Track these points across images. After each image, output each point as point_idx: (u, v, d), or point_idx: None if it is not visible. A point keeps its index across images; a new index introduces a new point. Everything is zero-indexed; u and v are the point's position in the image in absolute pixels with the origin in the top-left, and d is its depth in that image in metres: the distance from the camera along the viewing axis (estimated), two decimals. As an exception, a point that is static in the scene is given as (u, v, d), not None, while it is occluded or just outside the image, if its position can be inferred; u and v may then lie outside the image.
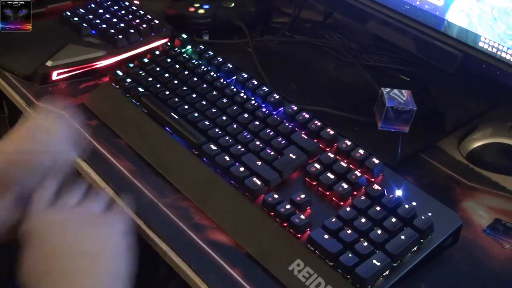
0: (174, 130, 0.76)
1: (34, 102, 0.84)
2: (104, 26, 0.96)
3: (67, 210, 0.63)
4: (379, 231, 0.62)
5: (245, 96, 0.79)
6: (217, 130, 0.75)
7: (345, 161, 0.70)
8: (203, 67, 0.84)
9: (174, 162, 0.74)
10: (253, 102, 0.78)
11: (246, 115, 0.76)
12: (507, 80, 0.71)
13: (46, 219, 0.62)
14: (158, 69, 0.85)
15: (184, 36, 0.91)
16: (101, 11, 1.00)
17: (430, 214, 0.64)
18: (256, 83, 0.81)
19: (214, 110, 0.77)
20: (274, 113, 0.77)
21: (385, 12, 0.81)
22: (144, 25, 0.95)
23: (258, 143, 0.72)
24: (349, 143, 0.71)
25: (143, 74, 0.84)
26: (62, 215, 0.63)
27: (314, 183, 0.69)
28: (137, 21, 0.96)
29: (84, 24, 0.96)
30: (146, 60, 0.87)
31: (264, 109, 0.76)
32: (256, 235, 0.65)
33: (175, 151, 0.74)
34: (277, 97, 0.78)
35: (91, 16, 0.98)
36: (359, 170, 0.68)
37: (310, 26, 1.06)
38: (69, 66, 0.89)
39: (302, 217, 0.64)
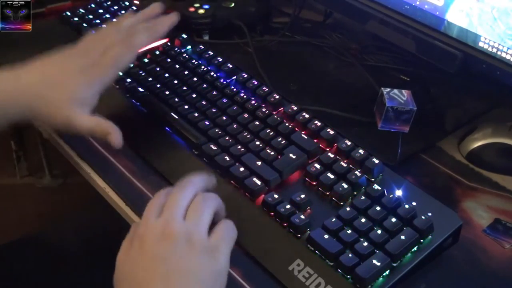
0: (174, 130, 0.76)
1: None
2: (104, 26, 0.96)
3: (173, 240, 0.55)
4: (379, 231, 0.62)
5: (245, 96, 0.79)
6: (217, 130, 0.75)
7: (345, 161, 0.70)
8: (203, 67, 0.84)
9: (174, 162, 0.74)
10: (253, 102, 0.78)
11: (246, 115, 0.76)
12: (507, 80, 0.71)
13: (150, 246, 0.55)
14: (158, 69, 0.85)
15: (184, 36, 0.92)
16: (101, 11, 0.99)
17: (430, 214, 0.63)
18: (256, 83, 0.81)
19: (214, 110, 0.77)
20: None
21: (385, 12, 0.81)
22: (144, 25, 0.95)
23: (258, 143, 0.72)
24: (349, 143, 0.71)
25: (143, 74, 0.84)
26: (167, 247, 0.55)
27: (314, 183, 0.69)
28: (137, 21, 0.96)
29: (84, 24, 0.96)
30: (146, 60, 0.87)
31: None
32: (256, 235, 0.65)
33: (175, 151, 0.74)
34: (277, 97, 0.78)
35: (91, 16, 0.98)
36: (359, 170, 0.68)
37: (310, 26, 1.06)
38: (69, 66, 0.89)
39: (302, 217, 0.64)
